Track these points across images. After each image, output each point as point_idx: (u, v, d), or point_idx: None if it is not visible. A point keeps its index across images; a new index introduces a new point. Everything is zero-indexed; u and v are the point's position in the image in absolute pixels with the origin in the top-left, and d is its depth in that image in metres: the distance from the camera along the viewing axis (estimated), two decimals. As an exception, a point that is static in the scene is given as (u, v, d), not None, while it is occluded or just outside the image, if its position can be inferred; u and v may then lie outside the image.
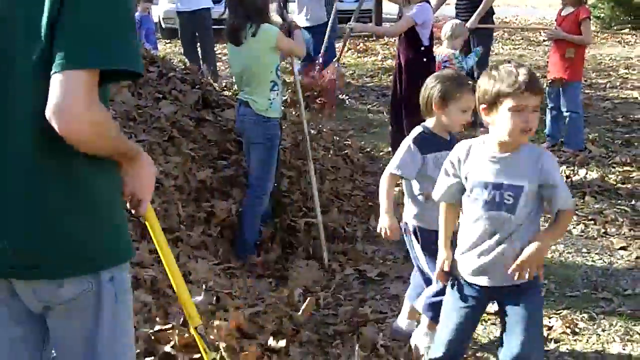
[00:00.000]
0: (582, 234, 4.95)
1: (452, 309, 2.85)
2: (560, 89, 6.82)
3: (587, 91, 9.49)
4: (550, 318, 3.80)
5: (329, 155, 5.75)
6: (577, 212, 5.31)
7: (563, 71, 6.78)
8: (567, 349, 3.52)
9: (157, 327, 3.12)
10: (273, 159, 4.41)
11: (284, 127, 5.83)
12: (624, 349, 3.51)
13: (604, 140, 7.19)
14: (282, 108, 5.37)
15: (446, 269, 2.85)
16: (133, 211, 2.01)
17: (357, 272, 4.38)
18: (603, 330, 3.69)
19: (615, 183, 5.90)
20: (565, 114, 6.81)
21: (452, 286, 2.86)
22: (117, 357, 1.91)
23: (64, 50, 1.59)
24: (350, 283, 4.26)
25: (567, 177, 6.00)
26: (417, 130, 3.31)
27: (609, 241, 4.82)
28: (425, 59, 6.02)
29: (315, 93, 6.64)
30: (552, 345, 3.54)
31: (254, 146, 4.38)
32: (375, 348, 3.46)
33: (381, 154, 6.61)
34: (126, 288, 1.91)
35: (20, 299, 1.81)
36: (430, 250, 3.20)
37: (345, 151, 6.23)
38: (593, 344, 3.57)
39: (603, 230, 4.97)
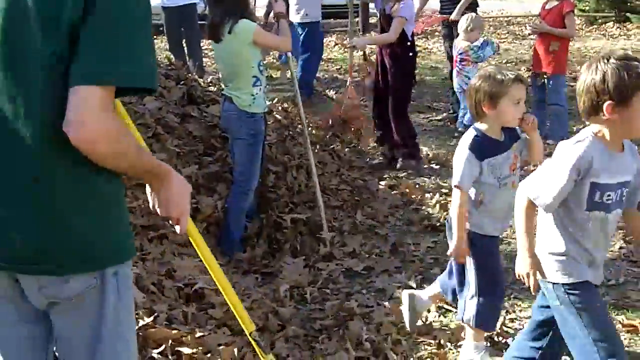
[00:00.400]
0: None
1: (600, 307, 2.68)
2: (545, 81, 6.86)
3: (572, 84, 9.49)
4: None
5: (315, 150, 5.75)
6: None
7: (547, 64, 6.82)
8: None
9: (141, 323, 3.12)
10: (257, 154, 4.40)
11: (270, 122, 5.86)
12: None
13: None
14: (269, 103, 5.40)
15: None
16: (176, 229, 2.03)
17: (343, 266, 4.39)
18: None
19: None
20: (550, 107, 6.84)
21: (587, 289, 2.64)
22: (120, 352, 1.92)
23: (82, 63, 1.62)
24: (337, 277, 4.27)
25: (552, 169, 6.02)
26: (470, 134, 3.16)
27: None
28: (411, 53, 6.08)
29: (342, 122, 6.49)
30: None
31: (238, 142, 4.38)
32: (360, 342, 3.48)
33: (368, 148, 6.62)
34: (129, 284, 1.94)
35: (28, 299, 1.83)
36: (482, 255, 3.22)
37: (332, 146, 6.24)
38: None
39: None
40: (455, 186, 3.13)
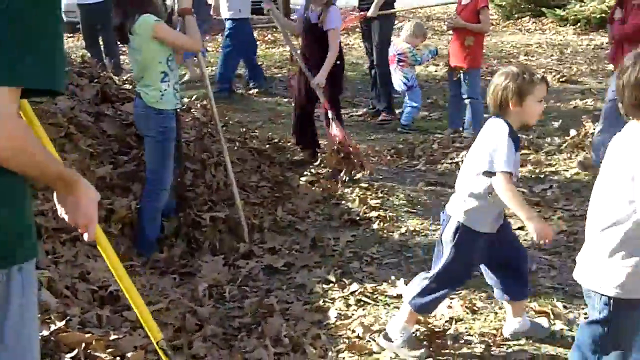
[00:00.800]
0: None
1: None
2: (461, 76, 6.99)
3: (489, 78, 9.69)
4: (451, 299, 3.91)
5: (235, 148, 5.72)
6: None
7: (463, 59, 6.96)
8: (466, 327, 3.62)
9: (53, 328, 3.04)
10: (168, 152, 4.30)
11: (188, 120, 5.80)
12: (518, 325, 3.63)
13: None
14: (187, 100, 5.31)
15: None
16: (84, 237, 2.02)
17: (263, 263, 4.38)
18: (500, 308, 3.81)
19: (514, 166, 6.09)
20: (466, 100, 6.99)
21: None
22: (24, 348, 1.87)
23: None
24: (257, 275, 4.26)
25: (469, 161, 6.15)
26: (503, 125, 3.12)
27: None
28: (339, 62, 5.98)
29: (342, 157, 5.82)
30: (452, 325, 3.63)
31: (147, 139, 4.30)
32: (279, 339, 3.48)
33: (289, 144, 6.62)
34: (33, 280, 1.89)
35: None
36: (463, 250, 3.24)
37: (252, 143, 6.22)
38: (491, 321, 3.69)
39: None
40: (501, 172, 3.02)
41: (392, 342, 3.43)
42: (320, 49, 5.88)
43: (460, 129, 7.11)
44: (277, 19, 6.30)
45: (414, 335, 3.49)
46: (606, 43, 12.27)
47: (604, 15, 14.34)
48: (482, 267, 3.49)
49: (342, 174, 5.68)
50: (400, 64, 7.63)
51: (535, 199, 5.39)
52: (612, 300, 2.44)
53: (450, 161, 6.29)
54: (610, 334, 2.50)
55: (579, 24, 14.62)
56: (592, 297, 2.51)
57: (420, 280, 3.39)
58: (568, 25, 14.27)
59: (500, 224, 3.32)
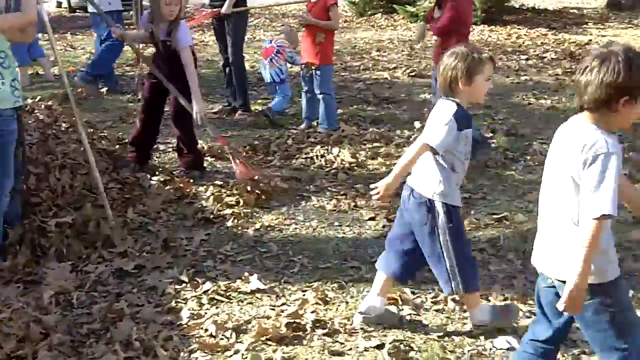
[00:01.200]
0: (335, 208, 5.20)
1: None
2: (313, 72, 7.09)
3: (342, 74, 9.97)
4: (304, 291, 3.97)
5: (82, 149, 5.51)
6: (330, 188, 5.59)
7: (315, 55, 7.05)
8: (319, 317, 3.68)
9: None
10: (7, 155, 4.08)
11: (31, 121, 5.55)
12: (369, 313, 3.74)
13: (356, 119, 7.60)
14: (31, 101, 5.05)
15: None
16: None
17: (113, 267, 4.26)
18: (351, 297, 3.91)
19: (365, 159, 6.26)
20: (319, 96, 7.09)
21: None
22: None
23: None
24: (106, 279, 4.14)
25: (322, 155, 6.27)
26: (451, 106, 3.28)
27: (359, 213, 5.12)
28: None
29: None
30: (306, 316, 3.68)
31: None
32: (130, 343, 3.40)
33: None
34: None
35: None
36: (458, 228, 3.40)
37: (101, 143, 6.02)
38: (342, 311, 3.77)
39: (354, 204, 5.26)
40: (426, 144, 3.23)
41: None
42: (172, 64, 5.60)
43: (315, 123, 7.21)
44: (125, 36, 6.12)
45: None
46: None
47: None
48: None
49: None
50: (278, 55, 7.72)
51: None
52: (605, 285, 2.56)
53: (305, 156, 6.36)
54: (614, 316, 2.57)
55: (426, 20, 15.17)
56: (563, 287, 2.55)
57: (450, 273, 3.41)
58: (418, 21, 14.76)
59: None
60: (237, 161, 5.60)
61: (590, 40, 12.63)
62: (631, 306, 2.71)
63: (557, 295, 2.59)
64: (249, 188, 5.35)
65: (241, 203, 5.21)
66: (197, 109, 5.55)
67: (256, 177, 5.49)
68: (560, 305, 2.50)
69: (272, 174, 5.75)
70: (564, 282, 2.51)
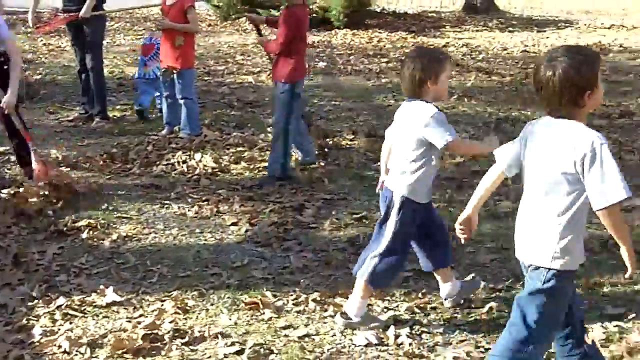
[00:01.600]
0: (197, 215, 5.13)
1: None
2: (175, 76, 6.97)
3: (206, 78, 9.88)
4: (163, 301, 3.88)
5: None
6: (192, 194, 5.51)
7: (175, 59, 6.94)
8: (178, 327, 3.61)
9: None
10: None
11: None
12: (230, 319, 3.71)
13: (219, 123, 7.53)
14: None
15: None
16: None
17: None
18: (212, 305, 3.86)
19: (229, 163, 6.22)
20: (181, 101, 6.98)
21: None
22: None
23: None
24: (-51, 300, 3.89)
25: (184, 161, 6.18)
26: (430, 106, 3.44)
27: (222, 219, 5.07)
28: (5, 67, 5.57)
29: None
30: (165, 326, 3.60)
31: None
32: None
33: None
34: None
35: None
36: (409, 222, 3.52)
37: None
38: (202, 319, 3.72)
39: (216, 210, 5.20)
40: (451, 142, 3.40)
41: (352, 319, 3.60)
42: None
43: (177, 129, 7.09)
44: None
45: (368, 311, 3.68)
46: (317, 42, 13.02)
47: (315, 15, 15.21)
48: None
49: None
50: (159, 52, 7.54)
51: (249, 194, 5.53)
52: (558, 272, 2.72)
53: (166, 163, 6.24)
54: (555, 298, 2.77)
55: (292, 24, 15.29)
56: (538, 271, 2.74)
57: (370, 260, 3.56)
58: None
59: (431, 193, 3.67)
60: (38, 160, 5.49)
61: (448, 42, 13.16)
62: None
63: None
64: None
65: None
66: (6, 99, 5.39)
67: (54, 177, 5.40)
68: (628, 273, 2.70)
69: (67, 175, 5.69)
70: (549, 269, 2.72)
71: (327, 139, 6.78)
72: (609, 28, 15.25)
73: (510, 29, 15.22)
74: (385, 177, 3.67)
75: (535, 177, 2.78)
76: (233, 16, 16.46)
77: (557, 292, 2.76)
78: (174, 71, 6.95)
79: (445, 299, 3.84)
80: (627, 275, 2.73)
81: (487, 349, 3.38)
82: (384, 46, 12.73)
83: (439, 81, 3.46)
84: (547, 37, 14.04)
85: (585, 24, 15.90)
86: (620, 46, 12.69)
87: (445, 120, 3.46)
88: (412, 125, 3.48)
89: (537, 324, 2.78)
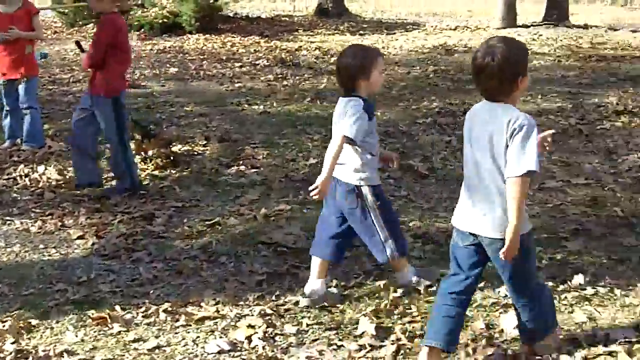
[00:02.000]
0: (40, 230, 4.92)
1: None
2: (19, 85, 6.65)
3: (50, 87, 9.50)
4: (4, 321, 3.69)
5: None
6: (35, 209, 5.29)
7: (20, 69, 6.63)
8: (21, 347, 3.44)
9: None
10: None
11: None
12: (76, 336, 3.57)
13: (64, 134, 7.23)
14: None
15: None
16: None
17: None
18: (57, 322, 3.70)
19: (74, 175, 5.98)
20: (26, 111, 6.68)
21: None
22: None
23: None
24: None
25: (27, 175, 5.91)
26: (357, 100, 3.61)
27: (67, 233, 4.89)
28: None
29: None
30: (6, 347, 3.42)
31: None
32: None
33: None
34: None
35: None
36: (384, 203, 3.77)
37: None
38: (47, 337, 3.57)
39: (61, 224, 5.01)
40: (344, 136, 3.53)
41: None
42: None
43: (19, 141, 6.77)
44: None
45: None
46: (169, 47, 12.83)
47: (165, 20, 15.00)
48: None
49: None
50: None
51: (96, 205, 5.36)
52: (524, 236, 2.96)
53: (7, 177, 5.94)
54: (528, 258, 3.09)
55: (142, 30, 15.03)
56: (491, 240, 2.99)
57: (384, 243, 3.76)
58: (132, 31, 14.54)
59: None
60: None
61: (301, 46, 13.36)
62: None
63: (476, 252, 3.09)
64: None
65: None
66: None
67: None
68: (503, 254, 2.93)
69: None
70: (491, 238, 2.98)
71: (172, 146, 6.58)
72: (454, 29, 16.02)
73: (361, 32, 15.68)
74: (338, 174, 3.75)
75: (473, 156, 3.03)
76: (80, 22, 15.96)
77: (527, 252, 3.06)
78: (23, 80, 6.62)
79: (303, 298, 3.90)
80: (501, 253, 2.95)
81: (339, 346, 3.44)
82: (237, 51, 12.75)
83: (371, 76, 3.66)
84: (397, 40, 14.55)
85: (432, 26, 16.64)
86: (465, 46, 13.35)
87: (360, 114, 3.59)
88: (339, 122, 3.66)
89: None
